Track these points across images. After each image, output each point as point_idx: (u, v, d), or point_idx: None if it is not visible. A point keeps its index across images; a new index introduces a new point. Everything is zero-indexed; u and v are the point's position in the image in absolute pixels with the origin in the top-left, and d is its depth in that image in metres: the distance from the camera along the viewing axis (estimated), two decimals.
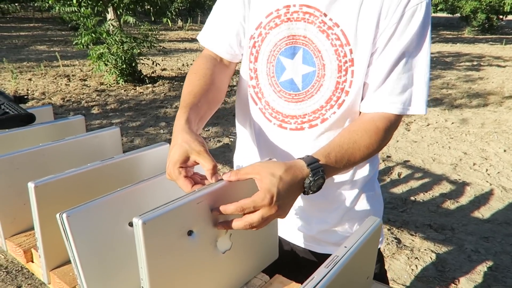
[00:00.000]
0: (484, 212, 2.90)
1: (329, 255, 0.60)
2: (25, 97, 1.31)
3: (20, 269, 2.25)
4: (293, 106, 0.89)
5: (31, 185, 0.78)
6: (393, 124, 0.83)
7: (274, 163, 0.69)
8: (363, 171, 0.94)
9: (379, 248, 0.99)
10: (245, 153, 1.04)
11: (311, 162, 0.72)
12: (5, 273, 2.24)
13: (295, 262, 1.02)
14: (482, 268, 2.26)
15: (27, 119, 1.14)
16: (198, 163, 0.73)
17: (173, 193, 0.86)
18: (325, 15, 0.82)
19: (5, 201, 0.93)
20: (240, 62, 1.00)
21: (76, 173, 0.85)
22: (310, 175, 0.70)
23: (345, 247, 0.60)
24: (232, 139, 1.18)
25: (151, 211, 0.61)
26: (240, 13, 0.91)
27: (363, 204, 0.96)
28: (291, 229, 0.99)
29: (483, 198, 3.12)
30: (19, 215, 0.96)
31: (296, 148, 0.91)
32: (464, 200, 3.10)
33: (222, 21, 0.94)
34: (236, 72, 1.01)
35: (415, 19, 0.79)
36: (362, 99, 0.85)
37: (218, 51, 0.95)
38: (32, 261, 0.93)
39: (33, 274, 0.90)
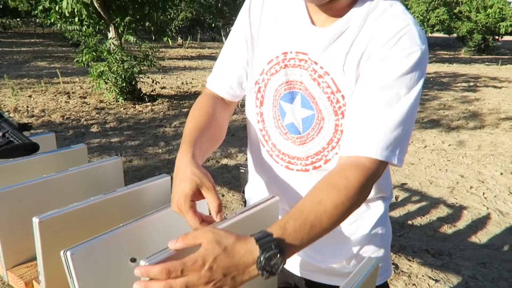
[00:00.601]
0: (481, 237, 2.91)
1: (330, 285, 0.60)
2: (29, 124, 1.33)
3: None
4: (297, 148, 0.91)
5: (35, 220, 0.79)
6: (368, 174, 0.73)
7: (227, 232, 0.63)
8: (377, 208, 0.95)
9: (386, 282, 1.00)
10: (256, 189, 1.06)
11: (261, 237, 0.63)
12: None
13: None
14: None
15: (31, 148, 1.16)
16: (204, 198, 0.74)
17: (175, 228, 0.88)
18: (316, 63, 0.83)
19: (7, 232, 0.94)
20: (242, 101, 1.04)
21: (79, 207, 0.87)
22: (259, 253, 0.61)
23: None
24: (243, 171, 1.21)
25: None
26: (243, 57, 0.95)
27: (375, 238, 0.96)
28: (298, 261, 1.00)
29: (480, 222, 3.13)
30: (21, 246, 0.97)
31: (304, 189, 0.92)
32: (461, 224, 3.11)
33: (226, 64, 0.98)
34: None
35: (398, 65, 0.74)
36: None
37: (220, 92, 0.99)
38: None
39: None
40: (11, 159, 1.10)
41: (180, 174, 0.75)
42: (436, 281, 2.37)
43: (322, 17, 0.82)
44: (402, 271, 2.48)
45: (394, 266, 2.51)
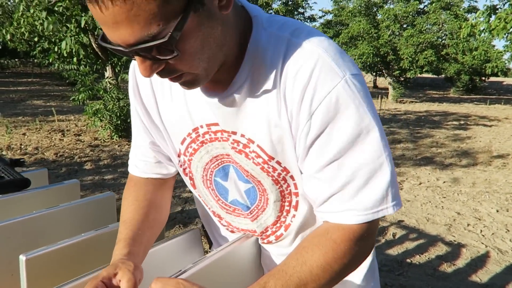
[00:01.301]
0: (481, 276, 2.84)
1: None
2: (21, 160, 1.31)
3: None
4: (251, 224, 0.82)
5: (22, 258, 0.76)
6: (358, 235, 0.64)
7: (199, 287, 0.59)
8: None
9: None
10: None
11: None
12: None
13: None
14: None
15: (22, 184, 1.13)
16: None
17: (169, 264, 0.85)
18: (234, 133, 0.70)
19: None
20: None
21: (69, 244, 0.84)
22: None
23: None
24: (204, 232, 1.10)
25: None
26: (150, 139, 0.84)
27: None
28: None
29: (480, 261, 3.07)
30: (6, 287, 0.92)
31: (277, 259, 0.86)
32: (460, 262, 3.05)
33: (139, 148, 0.86)
34: None
35: (336, 109, 0.61)
36: None
37: (145, 176, 0.87)
38: None
39: None
40: (1, 195, 1.07)
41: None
42: None
43: (217, 79, 0.66)
44: None
45: None
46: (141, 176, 0.86)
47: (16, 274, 0.78)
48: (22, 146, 6.15)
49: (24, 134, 7.05)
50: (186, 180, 0.85)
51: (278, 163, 0.70)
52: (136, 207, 0.81)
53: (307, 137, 0.64)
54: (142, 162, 0.86)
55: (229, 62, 0.64)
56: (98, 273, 0.67)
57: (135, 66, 0.78)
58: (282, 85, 0.63)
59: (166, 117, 0.78)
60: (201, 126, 0.74)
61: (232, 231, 0.89)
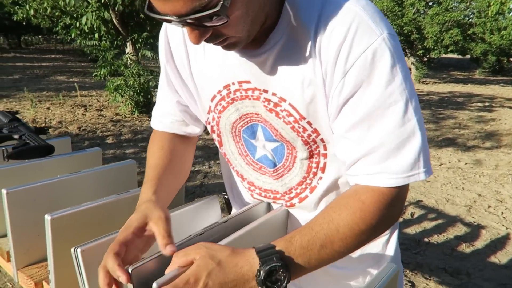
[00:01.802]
0: (501, 257, 2.81)
1: None
2: (45, 128, 1.34)
3: None
4: (276, 182, 0.81)
5: (47, 218, 0.79)
6: (388, 198, 0.63)
7: (222, 246, 0.59)
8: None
9: None
10: None
11: (262, 249, 0.58)
12: None
13: None
14: None
15: (46, 150, 1.16)
16: (153, 235, 0.67)
17: (187, 228, 0.86)
18: (265, 91, 0.70)
19: (20, 232, 0.93)
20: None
21: (91, 206, 0.86)
22: (259, 265, 0.56)
23: None
24: (227, 196, 1.09)
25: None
26: (177, 98, 0.85)
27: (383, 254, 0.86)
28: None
29: (500, 243, 3.03)
30: (33, 247, 0.96)
31: (298, 224, 0.84)
32: (479, 243, 3.01)
33: (164, 105, 0.88)
34: None
35: (370, 68, 0.60)
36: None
37: (172, 132, 0.89)
38: None
39: None
40: (26, 160, 1.11)
41: (136, 211, 0.71)
42: None
43: (253, 37, 0.65)
44: None
45: (410, 284, 2.43)
46: (165, 131, 0.88)
47: (42, 234, 0.81)
48: (47, 120, 6.30)
49: (48, 108, 7.21)
50: (214, 137, 0.86)
51: (309, 123, 0.69)
52: (161, 154, 0.83)
53: (340, 95, 0.63)
54: (167, 119, 0.88)
55: (267, 21, 0.65)
56: (128, 224, 0.68)
57: (167, 27, 0.80)
58: (318, 43, 0.63)
59: (197, 74, 0.79)
60: (233, 83, 0.74)
61: (252, 195, 0.88)
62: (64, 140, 1.36)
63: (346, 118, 0.64)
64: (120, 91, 6.67)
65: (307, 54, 0.65)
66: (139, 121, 6.61)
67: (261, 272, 0.55)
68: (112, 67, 6.79)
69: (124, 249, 0.64)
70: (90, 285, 0.69)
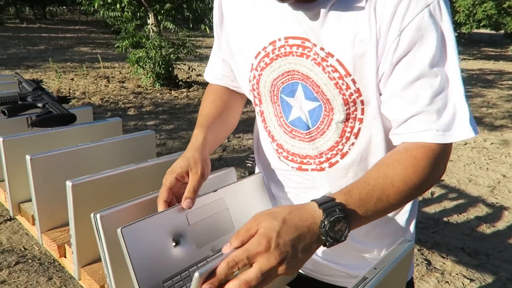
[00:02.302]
0: None
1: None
2: (68, 97, 1.36)
3: (52, 261, 2.33)
4: (307, 146, 0.81)
5: (68, 184, 0.81)
6: (436, 154, 0.66)
7: (277, 207, 0.60)
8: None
9: (412, 278, 0.93)
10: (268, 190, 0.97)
11: (324, 201, 0.59)
12: (38, 264, 2.32)
13: None
14: None
15: (69, 119, 1.19)
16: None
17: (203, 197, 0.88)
18: (315, 45, 0.71)
19: (43, 197, 0.96)
20: None
21: (111, 174, 0.88)
22: (323, 217, 0.57)
23: (375, 268, 0.59)
24: (250, 164, 1.15)
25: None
26: (223, 58, 0.92)
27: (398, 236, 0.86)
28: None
29: None
30: (56, 211, 1.00)
31: (323, 191, 0.83)
32: (501, 225, 2.96)
33: (216, 60, 0.95)
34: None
35: (426, 28, 0.64)
36: (381, 130, 0.77)
37: (223, 85, 0.97)
38: (65, 256, 0.96)
39: (64, 267, 0.94)
40: (49, 128, 1.13)
41: (184, 153, 0.78)
42: (471, 280, 2.27)
43: None
44: (435, 267, 2.39)
45: (426, 262, 2.42)
46: (217, 83, 0.96)
47: (64, 200, 0.83)
48: (71, 91, 6.42)
49: (72, 79, 7.34)
50: (251, 96, 0.87)
51: (353, 81, 0.70)
52: (213, 106, 0.92)
53: (395, 53, 0.66)
54: (219, 74, 0.95)
55: None
56: (173, 169, 0.74)
57: None
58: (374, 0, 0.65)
59: (244, 32, 0.81)
60: (279, 39, 0.75)
61: (279, 157, 0.88)
62: (86, 109, 1.38)
63: (399, 76, 0.67)
64: (141, 63, 6.71)
65: (361, 10, 0.66)
66: (160, 94, 6.65)
67: (326, 223, 0.57)
68: (134, 39, 6.81)
69: (170, 193, 0.72)
70: (108, 249, 0.72)
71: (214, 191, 0.76)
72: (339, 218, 0.57)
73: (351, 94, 0.71)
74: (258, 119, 0.91)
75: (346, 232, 0.58)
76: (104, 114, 5.31)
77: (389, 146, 0.78)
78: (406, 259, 0.65)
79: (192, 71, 8.03)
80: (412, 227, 0.89)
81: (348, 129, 0.76)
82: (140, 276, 0.62)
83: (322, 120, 0.78)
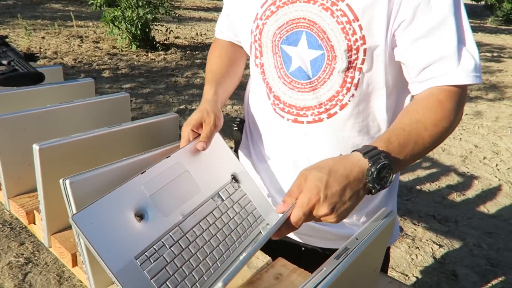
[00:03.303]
0: (490, 207, 2.87)
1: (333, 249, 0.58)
2: (36, 55, 1.28)
3: (24, 226, 2.28)
4: (307, 96, 0.82)
5: (36, 147, 0.76)
6: (458, 96, 0.71)
7: (321, 160, 0.61)
8: None
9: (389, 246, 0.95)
10: (255, 148, 0.98)
11: (367, 150, 0.61)
12: (9, 229, 2.27)
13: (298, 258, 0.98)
14: (483, 263, 2.25)
15: (36, 78, 1.11)
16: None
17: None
18: None
19: (9, 160, 0.91)
20: None
21: (82, 138, 0.83)
22: (369, 165, 0.60)
23: (357, 239, 0.58)
24: (236, 128, 1.13)
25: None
26: (227, 13, 0.97)
27: (383, 203, 0.91)
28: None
29: (490, 193, 3.08)
30: (23, 176, 0.95)
31: (318, 143, 0.84)
32: (471, 193, 3.07)
33: (226, 13, 0.98)
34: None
35: None
36: (387, 81, 0.78)
37: (227, 39, 1.01)
38: (34, 223, 0.92)
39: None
40: (15, 88, 1.06)
41: (198, 108, 0.83)
42: (440, 246, 2.37)
43: None
44: (406, 234, 2.47)
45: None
46: (224, 39, 1.01)
47: (33, 164, 0.78)
48: (42, 50, 6.12)
49: (43, 37, 6.98)
50: (252, 49, 0.87)
51: (360, 27, 0.72)
52: (219, 61, 0.97)
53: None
54: (225, 29, 0.99)
55: None
56: (188, 121, 0.80)
57: None
58: None
59: None
60: None
61: (275, 109, 0.88)
62: (56, 68, 1.30)
63: (420, 23, 0.69)
64: (116, 23, 6.42)
65: None
66: (136, 56, 6.43)
67: (372, 170, 0.60)
68: None
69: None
70: None
71: (167, 157, 0.74)
72: (385, 165, 0.60)
73: (356, 40, 0.73)
74: (256, 73, 0.90)
75: (391, 178, 0.62)
76: (77, 75, 5.10)
77: (389, 103, 0.80)
78: (387, 229, 0.65)
79: (170, 33, 7.75)
80: (393, 198, 0.91)
81: (349, 80, 0.77)
82: (107, 259, 0.59)
83: (324, 69, 0.78)
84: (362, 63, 0.75)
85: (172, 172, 0.74)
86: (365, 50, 0.74)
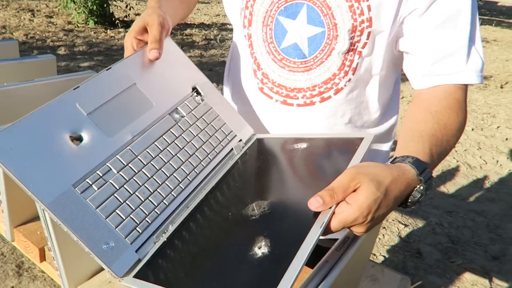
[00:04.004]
0: (449, 187, 3.00)
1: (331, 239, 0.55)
2: None
3: None
4: (299, 76, 0.75)
5: None
6: (466, 95, 0.70)
7: (377, 168, 0.52)
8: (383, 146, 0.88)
9: None
10: None
11: (423, 169, 0.55)
12: None
13: None
14: (444, 240, 2.35)
15: None
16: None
17: None
18: None
19: None
20: None
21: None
22: (420, 188, 0.54)
23: None
24: None
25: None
26: None
27: None
28: None
29: (449, 174, 3.21)
30: None
31: (306, 128, 0.79)
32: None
33: None
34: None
35: None
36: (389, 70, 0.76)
37: None
38: None
39: None
40: None
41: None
42: (405, 225, 2.44)
43: None
44: None
45: None
46: None
47: None
48: None
49: None
50: (241, 16, 0.78)
51: (369, 8, 0.67)
52: None
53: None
54: None
55: None
56: (130, 30, 0.70)
57: None
58: None
59: None
60: None
61: (262, 88, 0.81)
62: (11, 43, 1.18)
63: (433, 15, 0.66)
64: None
65: None
66: (94, 32, 6.10)
67: (422, 194, 0.55)
68: None
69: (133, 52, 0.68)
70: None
71: (107, 69, 0.64)
72: (432, 181, 0.57)
73: (362, 21, 0.68)
74: (242, 46, 0.81)
75: (430, 188, 0.58)
76: (30, 52, 4.77)
77: (380, 93, 0.77)
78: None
79: (130, 9, 7.41)
80: None
81: (348, 62, 0.73)
82: (36, 189, 0.50)
83: (322, 49, 0.72)
84: (363, 47, 0.71)
85: (115, 86, 0.64)
86: (369, 33, 0.69)
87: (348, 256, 0.50)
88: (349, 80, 0.75)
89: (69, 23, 6.36)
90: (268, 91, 0.80)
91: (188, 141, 0.68)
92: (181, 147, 0.67)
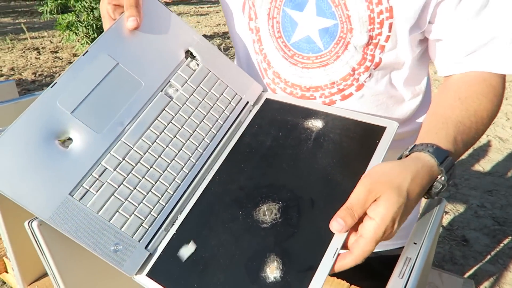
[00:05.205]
0: (484, 165, 2.84)
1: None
2: None
3: None
4: (314, 72, 0.67)
5: None
6: (504, 82, 0.64)
7: (394, 170, 0.49)
8: None
9: None
10: None
11: (443, 158, 0.52)
12: None
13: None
14: (490, 223, 2.20)
15: None
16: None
17: None
18: None
19: None
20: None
21: None
22: (442, 178, 0.51)
23: (415, 243, 0.46)
24: None
25: None
26: None
27: None
28: None
29: (482, 151, 3.05)
30: None
31: None
32: (463, 155, 3.03)
33: None
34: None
35: None
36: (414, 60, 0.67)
37: None
38: (6, 272, 0.77)
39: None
40: None
41: None
42: (445, 212, 2.31)
43: None
44: None
45: None
46: None
47: None
48: None
49: None
50: (246, 8, 0.70)
51: None
52: None
53: None
54: None
55: None
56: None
57: None
58: None
59: None
60: None
61: (274, 90, 0.73)
62: (8, 84, 1.13)
63: (471, 3, 0.59)
64: (73, 28, 6.10)
65: None
66: None
67: (443, 185, 0.52)
68: (60, 1, 6.15)
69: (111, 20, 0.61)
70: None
71: (83, 54, 0.56)
72: (454, 177, 0.54)
73: (381, 12, 0.59)
74: (249, 41, 0.72)
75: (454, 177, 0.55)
76: (40, 89, 4.82)
77: (410, 89, 0.70)
78: (440, 219, 0.53)
79: None
80: None
81: (369, 57, 0.64)
82: (32, 206, 0.47)
83: (337, 42, 0.63)
84: (386, 40, 0.62)
85: (96, 72, 0.56)
86: (390, 25, 0.60)
87: (413, 281, 0.40)
88: (370, 75, 0.66)
89: (74, 55, 6.43)
90: (281, 91, 0.71)
91: (187, 117, 0.61)
92: (179, 127, 0.60)
